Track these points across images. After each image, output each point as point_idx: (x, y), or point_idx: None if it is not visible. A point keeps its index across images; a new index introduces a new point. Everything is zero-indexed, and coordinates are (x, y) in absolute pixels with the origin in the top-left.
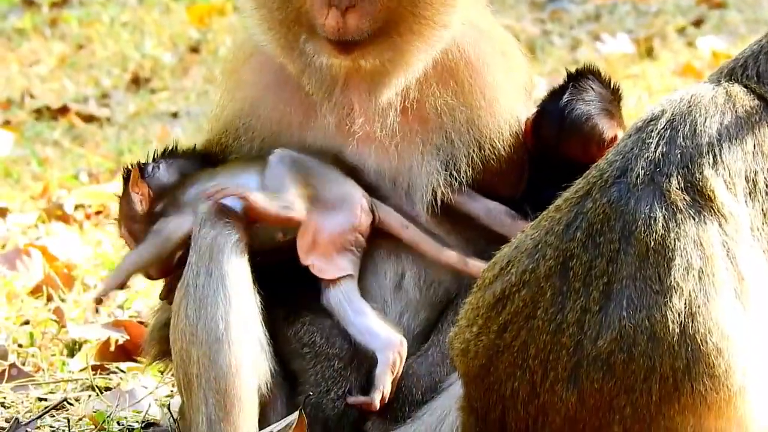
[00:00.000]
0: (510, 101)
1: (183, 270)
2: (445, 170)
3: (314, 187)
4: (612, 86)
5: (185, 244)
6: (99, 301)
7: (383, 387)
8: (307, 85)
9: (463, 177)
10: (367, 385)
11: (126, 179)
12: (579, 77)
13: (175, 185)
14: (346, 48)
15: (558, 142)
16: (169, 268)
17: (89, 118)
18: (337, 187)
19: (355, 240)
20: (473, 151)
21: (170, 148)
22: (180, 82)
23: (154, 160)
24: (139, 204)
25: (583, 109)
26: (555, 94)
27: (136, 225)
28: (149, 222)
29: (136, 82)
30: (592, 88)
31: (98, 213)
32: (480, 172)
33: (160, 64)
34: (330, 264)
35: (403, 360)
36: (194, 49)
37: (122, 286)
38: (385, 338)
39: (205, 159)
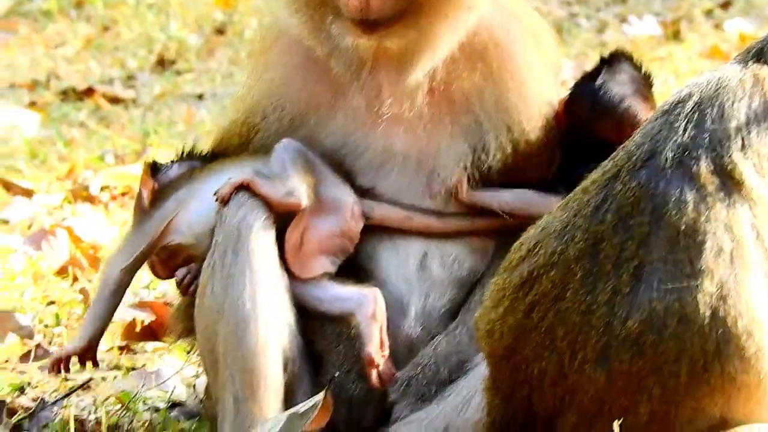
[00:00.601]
0: (539, 84)
1: (196, 265)
2: (473, 152)
3: (312, 183)
4: (643, 70)
5: (165, 236)
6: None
7: (373, 338)
8: (334, 66)
9: (492, 160)
10: (393, 365)
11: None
12: (612, 60)
13: (177, 180)
14: (370, 28)
15: (591, 123)
16: (173, 265)
17: (115, 100)
18: (332, 189)
19: (342, 245)
20: (502, 133)
21: (189, 150)
22: (205, 63)
23: (171, 162)
24: (146, 198)
25: (617, 90)
26: (588, 76)
27: (141, 215)
28: (145, 218)
29: (162, 63)
30: (625, 70)
31: (124, 194)
32: (509, 154)
33: (185, 46)
34: (311, 263)
35: (383, 308)
36: (220, 31)
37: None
38: (357, 295)
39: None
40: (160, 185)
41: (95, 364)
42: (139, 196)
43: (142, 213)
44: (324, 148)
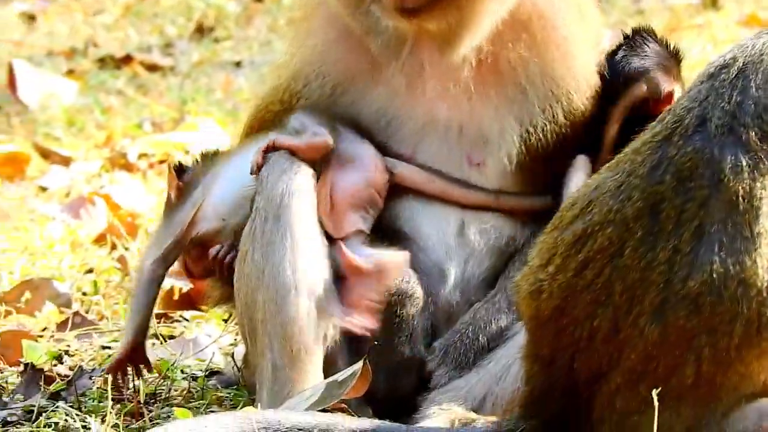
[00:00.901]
0: (584, 54)
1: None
2: (520, 125)
3: (333, 142)
4: (669, 45)
5: (194, 226)
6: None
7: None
8: (372, 46)
9: (539, 131)
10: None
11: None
12: (634, 35)
13: (199, 171)
14: (410, 13)
15: (615, 97)
16: (206, 264)
17: (153, 67)
18: (352, 145)
19: (369, 197)
20: (549, 104)
21: (214, 151)
22: (244, 31)
23: (197, 161)
24: (174, 196)
25: (637, 62)
26: (611, 54)
27: (169, 212)
28: (172, 213)
29: (200, 31)
30: (646, 44)
31: (162, 162)
32: (556, 125)
33: (224, 13)
34: (343, 220)
35: (400, 273)
36: None
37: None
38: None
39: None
40: (185, 183)
41: (148, 367)
42: (168, 198)
43: (170, 209)
44: (365, 117)
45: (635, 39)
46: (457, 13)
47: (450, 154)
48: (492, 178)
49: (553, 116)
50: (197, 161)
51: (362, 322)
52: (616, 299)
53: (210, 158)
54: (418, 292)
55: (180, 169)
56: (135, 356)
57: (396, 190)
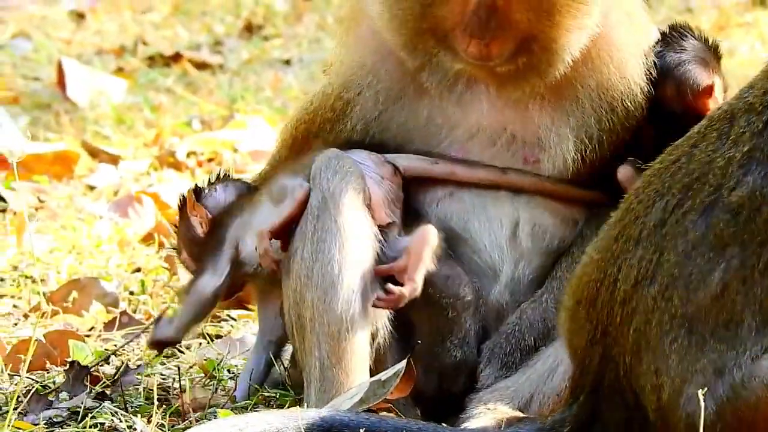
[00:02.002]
0: (637, 61)
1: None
2: (576, 137)
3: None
4: (707, 40)
5: (219, 298)
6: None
7: (413, 256)
8: (426, 80)
9: (595, 143)
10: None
11: (182, 206)
12: (671, 32)
13: (231, 208)
14: (485, 61)
15: (654, 94)
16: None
17: (202, 65)
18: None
19: (391, 188)
20: (604, 114)
21: (225, 174)
22: (293, 29)
23: (209, 184)
24: (199, 227)
25: (673, 56)
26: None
27: (196, 248)
28: (211, 244)
29: (249, 29)
30: (683, 39)
31: (210, 160)
32: (613, 133)
33: (273, 11)
34: (379, 211)
35: (432, 243)
36: None
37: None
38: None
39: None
40: (213, 213)
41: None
42: (186, 225)
43: (199, 252)
44: (414, 124)
45: (672, 35)
46: (527, 58)
47: (503, 159)
48: (541, 177)
49: (610, 125)
50: (214, 184)
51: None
52: (674, 191)
53: (228, 182)
54: (470, 294)
55: (197, 192)
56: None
57: (446, 191)
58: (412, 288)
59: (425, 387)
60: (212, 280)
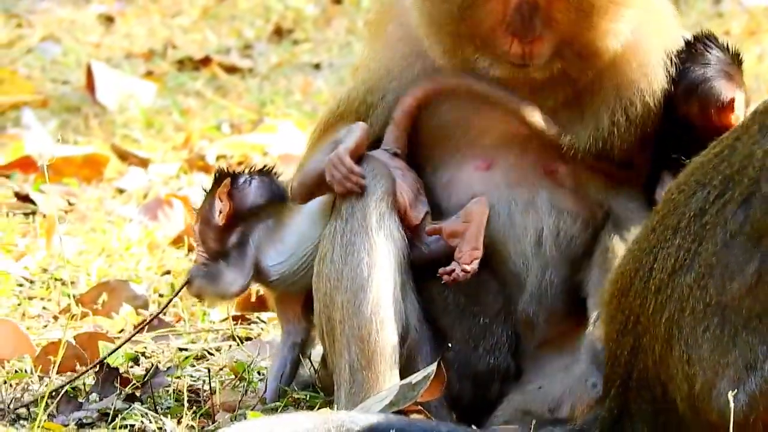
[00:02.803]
0: (660, 62)
1: None
2: (589, 138)
3: None
4: (731, 50)
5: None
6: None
7: (473, 232)
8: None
9: (613, 137)
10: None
11: (217, 180)
12: (695, 42)
13: (259, 211)
14: (523, 66)
15: (678, 107)
16: None
17: (231, 69)
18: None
19: (413, 177)
20: (620, 112)
21: (269, 169)
22: (322, 33)
23: (250, 173)
24: (218, 213)
25: (699, 71)
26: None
27: (207, 230)
28: (218, 238)
29: (279, 33)
30: (708, 51)
31: (240, 163)
32: (630, 131)
33: (302, 15)
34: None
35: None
36: (337, 0)
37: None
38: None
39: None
40: (235, 208)
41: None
42: (210, 205)
43: (211, 237)
44: (438, 125)
45: (696, 46)
46: (565, 66)
47: (526, 163)
48: (564, 183)
49: (629, 122)
50: (251, 175)
51: (470, 268)
52: (715, 182)
53: (264, 175)
54: (500, 301)
55: (234, 178)
56: None
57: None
58: (476, 256)
59: (460, 393)
60: (239, 279)
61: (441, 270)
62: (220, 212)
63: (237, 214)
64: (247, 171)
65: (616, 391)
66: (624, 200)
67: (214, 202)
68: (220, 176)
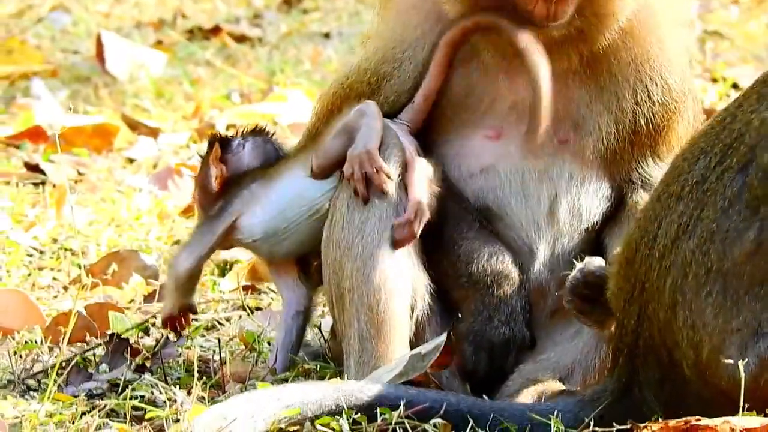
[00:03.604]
0: (676, 36)
1: None
2: (609, 111)
3: None
4: None
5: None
6: (172, 325)
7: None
8: (483, 50)
9: (629, 117)
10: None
11: (210, 146)
12: None
13: (249, 173)
14: (545, 27)
15: None
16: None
17: (241, 38)
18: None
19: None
20: (641, 88)
21: (262, 129)
22: (332, 2)
23: (242, 136)
24: (213, 179)
25: None
26: None
27: (205, 196)
28: (213, 208)
29: (288, 2)
30: None
31: (231, 126)
32: (653, 110)
33: None
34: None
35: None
36: None
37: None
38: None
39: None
40: (230, 172)
41: (182, 326)
42: (205, 172)
43: (207, 203)
44: (451, 93)
45: None
46: (583, 26)
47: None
48: (578, 153)
49: (647, 99)
50: (244, 136)
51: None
52: (716, 150)
53: (258, 136)
54: (514, 271)
55: (224, 142)
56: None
57: (482, 165)
58: (417, 208)
59: (476, 366)
60: (188, 260)
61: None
62: (216, 177)
63: (232, 179)
64: (240, 134)
65: (624, 360)
66: (651, 166)
67: (208, 169)
68: (212, 142)
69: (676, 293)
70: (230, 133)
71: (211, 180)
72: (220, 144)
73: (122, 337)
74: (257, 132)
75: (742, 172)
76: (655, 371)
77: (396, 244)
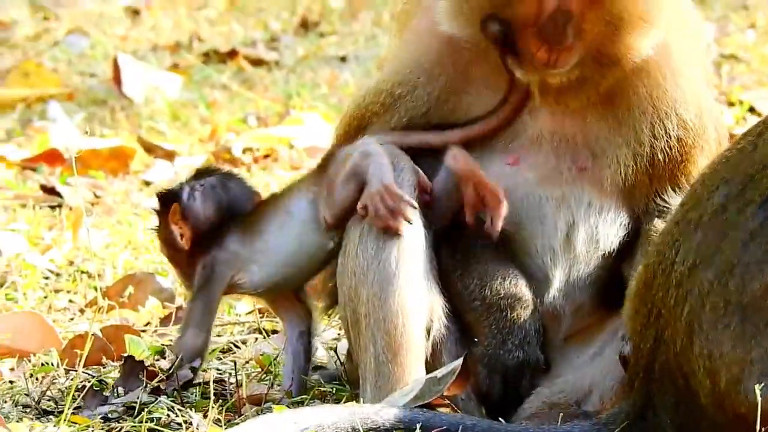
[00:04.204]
0: (692, 68)
1: None
2: (627, 145)
3: None
4: None
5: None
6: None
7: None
8: (493, 84)
9: (647, 150)
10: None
11: (163, 203)
12: None
13: (214, 223)
14: (546, 72)
15: None
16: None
17: (258, 62)
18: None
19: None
20: (657, 122)
21: (207, 170)
22: (348, 26)
23: (189, 183)
24: (180, 239)
25: None
26: None
27: (177, 255)
28: (191, 262)
29: (305, 25)
30: None
31: (266, 156)
32: (670, 144)
33: (328, 8)
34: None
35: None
36: None
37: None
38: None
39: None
40: (191, 226)
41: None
42: (169, 233)
43: (183, 262)
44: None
45: None
46: (586, 74)
47: (556, 163)
48: (596, 182)
49: (664, 133)
50: (195, 193)
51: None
52: (737, 180)
53: (200, 178)
54: (528, 294)
55: (167, 197)
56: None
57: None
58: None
59: (490, 388)
60: (196, 341)
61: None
62: (182, 237)
63: (203, 235)
64: (187, 182)
65: (640, 384)
66: (670, 195)
67: (170, 230)
68: (163, 199)
69: (693, 322)
70: (174, 184)
71: (177, 241)
72: (169, 199)
73: (138, 359)
74: (201, 174)
75: (763, 206)
76: (670, 395)
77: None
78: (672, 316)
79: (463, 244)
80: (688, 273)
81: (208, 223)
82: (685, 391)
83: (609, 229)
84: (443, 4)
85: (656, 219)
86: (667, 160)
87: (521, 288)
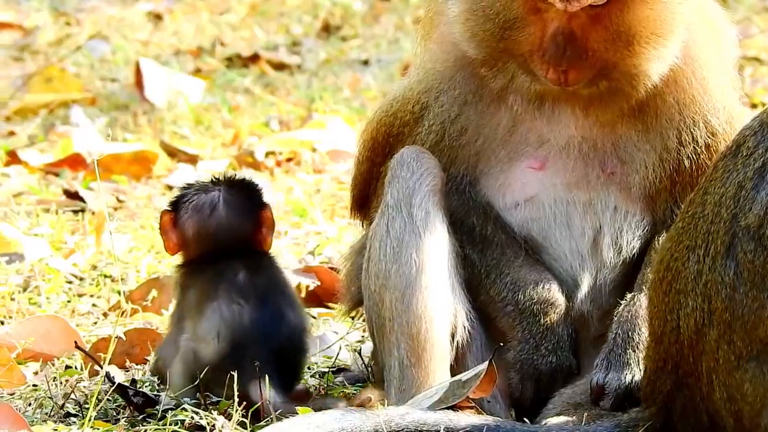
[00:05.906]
0: (720, 75)
1: None
2: (655, 150)
3: None
4: None
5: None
6: None
7: None
8: (511, 101)
9: (675, 156)
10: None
11: (170, 201)
12: None
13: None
14: (566, 84)
15: None
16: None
17: (280, 66)
18: None
19: None
20: (685, 129)
21: (217, 179)
22: (371, 29)
23: (195, 188)
24: (166, 243)
25: None
26: None
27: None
28: (180, 267)
29: (327, 29)
30: None
31: (289, 160)
32: (698, 151)
33: (350, 12)
34: None
35: None
36: None
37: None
38: None
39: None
40: (184, 247)
41: None
42: (161, 231)
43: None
44: (490, 129)
45: None
46: (613, 85)
47: (584, 169)
48: (624, 187)
49: (691, 139)
50: (189, 201)
51: None
52: (699, 242)
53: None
54: (560, 299)
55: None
56: None
57: (525, 196)
58: None
59: (523, 394)
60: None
61: None
62: (169, 242)
63: (185, 250)
64: (194, 188)
65: (659, 410)
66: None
67: (163, 229)
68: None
69: (711, 374)
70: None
71: (165, 243)
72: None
73: None
74: (213, 185)
75: (729, 251)
76: (695, 428)
77: None
78: (692, 369)
79: (494, 250)
80: (696, 337)
81: (192, 243)
82: (710, 426)
83: (632, 234)
84: (458, 27)
85: (665, 233)
86: (693, 167)
87: (554, 293)
